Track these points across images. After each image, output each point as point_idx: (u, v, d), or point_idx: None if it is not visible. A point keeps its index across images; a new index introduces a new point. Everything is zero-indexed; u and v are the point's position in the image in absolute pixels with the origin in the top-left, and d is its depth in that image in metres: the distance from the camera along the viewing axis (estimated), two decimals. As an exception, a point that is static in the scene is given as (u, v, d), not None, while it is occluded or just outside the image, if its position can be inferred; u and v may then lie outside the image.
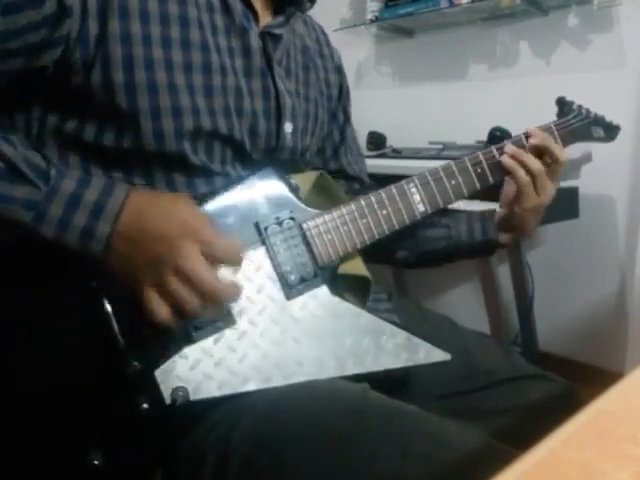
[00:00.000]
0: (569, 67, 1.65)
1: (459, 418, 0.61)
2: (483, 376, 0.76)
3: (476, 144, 1.56)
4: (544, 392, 0.76)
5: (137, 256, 0.52)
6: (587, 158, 1.37)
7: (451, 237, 0.84)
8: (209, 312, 0.54)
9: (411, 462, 0.49)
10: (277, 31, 0.67)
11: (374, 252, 0.70)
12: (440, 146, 1.67)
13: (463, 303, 1.99)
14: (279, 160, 0.69)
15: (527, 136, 0.76)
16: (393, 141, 1.84)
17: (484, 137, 1.48)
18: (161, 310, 0.52)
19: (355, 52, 2.13)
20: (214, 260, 0.54)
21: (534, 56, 1.72)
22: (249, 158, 0.66)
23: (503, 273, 1.76)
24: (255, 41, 0.65)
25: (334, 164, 0.86)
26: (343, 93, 0.86)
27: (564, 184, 1.37)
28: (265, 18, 0.68)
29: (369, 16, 1.90)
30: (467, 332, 0.84)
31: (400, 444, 0.51)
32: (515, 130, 1.42)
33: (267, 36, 0.66)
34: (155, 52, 0.57)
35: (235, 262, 0.56)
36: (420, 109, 1.98)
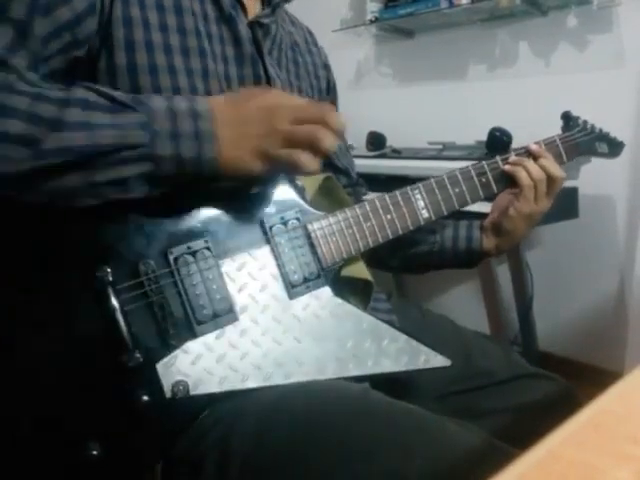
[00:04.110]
0: (568, 67, 1.65)
1: (459, 417, 0.61)
2: (483, 376, 0.76)
3: (476, 144, 1.56)
4: (544, 391, 0.76)
5: (249, 129, 0.54)
6: (586, 158, 1.37)
7: (435, 242, 0.85)
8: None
9: (411, 461, 0.49)
10: (265, 20, 0.70)
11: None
12: (440, 146, 1.67)
13: (463, 303, 1.99)
14: None
15: (527, 150, 0.78)
16: (393, 141, 1.84)
17: (484, 137, 1.48)
18: (302, 158, 0.54)
19: (355, 52, 2.13)
20: (304, 117, 0.56)
21: (534, 56, 1.72)
22: None
23: (503, 273, 1.76)
24: (244, 30, 0.67)
25: None
26: (331, 87, 0.87)
27: (564, 184, 1.37)
28: (253, 11, 0.71)
29: (369, 16, 1.90)
30: (467, 332, 0.84)
31: (400, 443, 0.51)
32: (515, 130, 1.43)
33: (256, 25, 0.69)
34: (154, 36, 0.60)
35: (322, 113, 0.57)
36: (420, 109, 1.98)
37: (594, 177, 1.49)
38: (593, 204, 1.60)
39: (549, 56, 1.69)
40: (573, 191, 1.47)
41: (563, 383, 0.79)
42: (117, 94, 0.53)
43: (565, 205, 1.46)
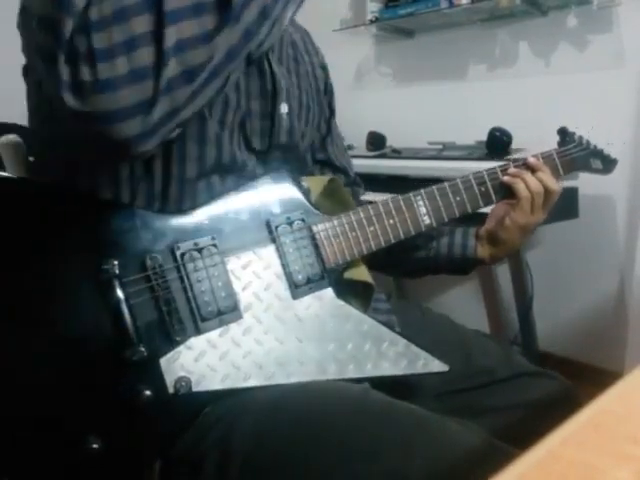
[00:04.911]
0: (568, 67, 1.65)
1: (459, 416, 0.61)
2: (483, 374, 0.76)
3: (476, 144, 1.56)
4: (544, 389, 0.76)
5: None
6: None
7: (431, 248, 0.86)
8: None
9: (411, 461, 0.49)
10: None
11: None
12: (440, 146, 1.67)
13: (463, 303, 1.99)
14: (279, 145, 0.70)
15: (526, 163, 0.79)
16: (393, 141, 1.84)
17: (484, 137, 1.48)
18: None
19: (355, 52, 2.13)
20: None
21: (534, 56, 1.72)
22: (249, 143, 0.67)
23: (503, 273, 1.76)
24: None
25: (322, 154, 0.88)
26: (328, 89, 0.88)
27: (564, 184, 1.38)
28: None
29: (369, 16, 1.90)
30: (467, 331, 0.84)
31: (400, 443, 0.51)
32: (515, 130, 1.43)
33: None
34: None
35: None
36: (420, 109, 1.98)
37: (594, 177, 1.48)
38: (593, 204, 1.60)
39: (549, 56, 1.69)
40: (573, 191, 1.47)
41: (563, 381, 0.80)
42: None
43: (565, 205, 1.46)
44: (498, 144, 1.44)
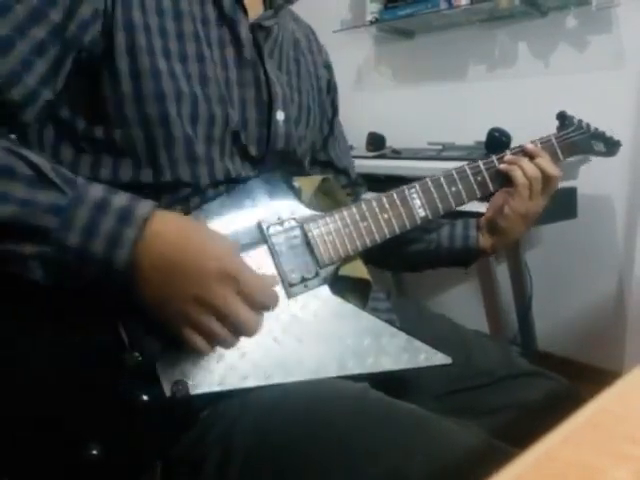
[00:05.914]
0: (568, 68, 1.65)
1: (459, 416, 0.61)
2: (483, 374, 0.76)
3: (475, 145, 1.57)
4: (543, 390, 0.76)
5: (170, 286, 0.52)
6: (585, 158, 1.37)
7: (432, 241, 0.85)
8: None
9: (411, 461, 0.50)
10: (266, 23, 0.69)
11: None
12: (439, 147, 1.67)
13: (462, 303, 1.99)
14: (276, 151, 0.70)
15: (523, 149, 0.79)
16: (393, 142, 1.84)
17: (483, 138, 1.48)
18: (204, 345, 0.54)
19: (355, 53, 2.13)
20: (248, 299, 0.55)
21: (533, 57, 1.73)
22: (246, 151, 0.67)
23: (502, 273, 1.76)
24: (245, 33, 0.67)
25: (323, 155, 0.88)
26: (331, 87, 0.87)
27: (562, 184, 1.38)
28: (255, 12, 0.70)
29: (369, 17, 1.90)
30: (466, 331, 0.84)
31: (400, 443, 0.51)
32: (514, 131, 1.43)
33: (257, 28, 0.68)
34: (155, 41, 0.60)
35: (270, 301, 0.57)
36: (419, 110, 1.98)
37: (593, 177, 1.49)
38: (592, 204, 1.60)
39: (548, 57, 1.69)
40: (572, 191, 1.47)
41: (563, 382, 0.79)
42: (52, 169, 0.51)
43: (564, 205, 1.46)
44: (497, 144, 1.44)
